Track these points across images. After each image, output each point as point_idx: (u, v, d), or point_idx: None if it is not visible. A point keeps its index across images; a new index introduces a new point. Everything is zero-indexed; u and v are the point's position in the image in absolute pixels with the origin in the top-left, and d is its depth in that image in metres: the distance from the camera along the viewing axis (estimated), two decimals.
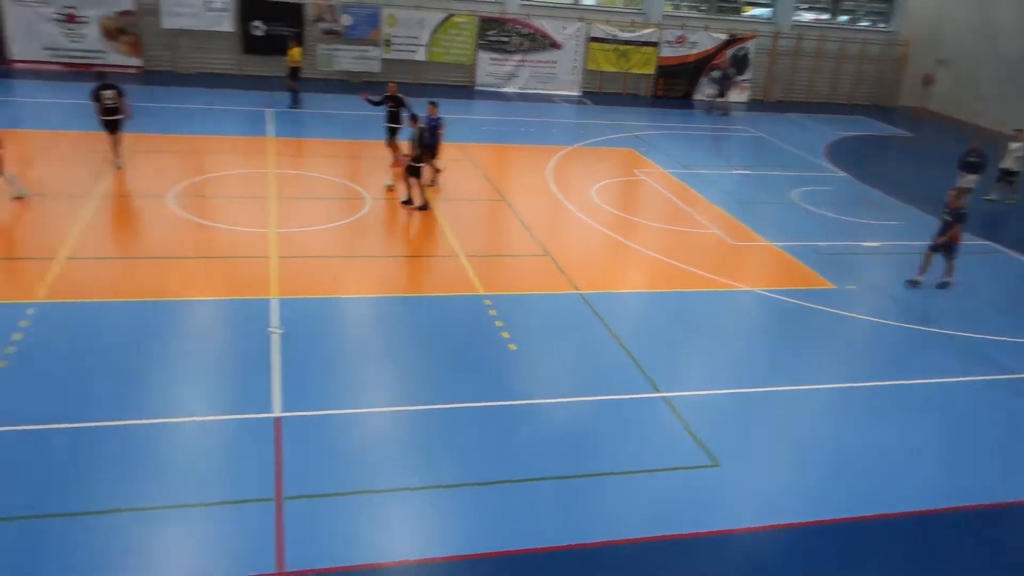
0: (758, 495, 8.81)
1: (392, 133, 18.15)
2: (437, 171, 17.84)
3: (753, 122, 29.02)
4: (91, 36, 25.91)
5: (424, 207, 16.27)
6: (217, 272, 12.96)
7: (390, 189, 17.28)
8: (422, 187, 16.33)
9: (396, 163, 17.50)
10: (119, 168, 17.07)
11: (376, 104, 18.10)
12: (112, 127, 17.01)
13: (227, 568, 7.17)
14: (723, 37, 31.26)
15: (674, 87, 31.63)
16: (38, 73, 25.47)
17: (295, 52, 23.85)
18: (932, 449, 9.94)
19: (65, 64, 25.91)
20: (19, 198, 14.82)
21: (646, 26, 30.78)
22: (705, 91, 31.46)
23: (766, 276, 14.92)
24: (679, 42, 31.00)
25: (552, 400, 10.18)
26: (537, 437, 9.38)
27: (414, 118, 16.39)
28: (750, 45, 31.62)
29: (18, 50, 25.62)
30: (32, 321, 10.75)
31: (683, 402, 10.42)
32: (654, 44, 30.85)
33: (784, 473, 9.28)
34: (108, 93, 16.78)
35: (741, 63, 31.67)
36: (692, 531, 8.19)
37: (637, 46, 30.74)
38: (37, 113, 21.13)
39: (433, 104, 17.56)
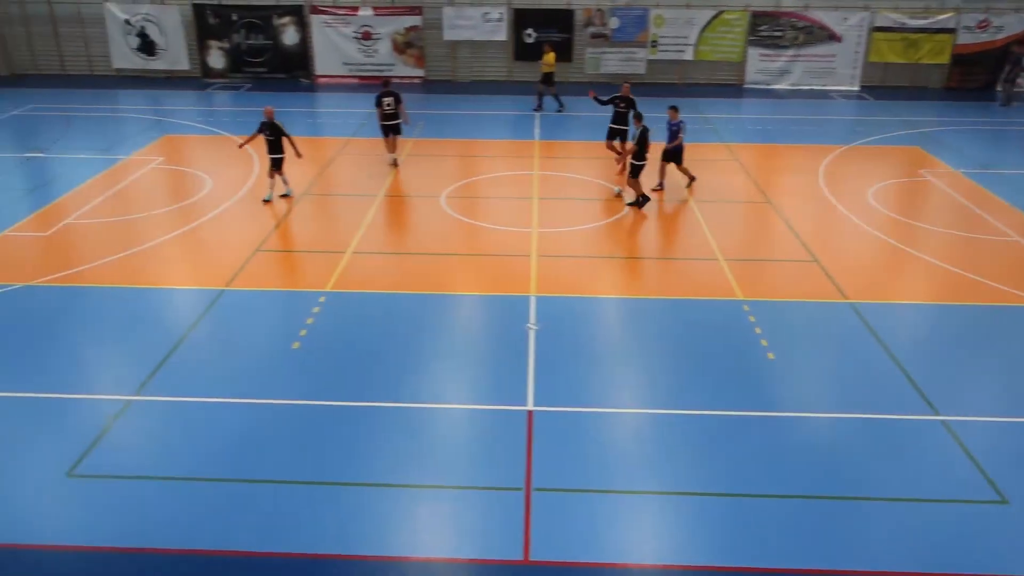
0: None
1: (615, 135, 18.45)
2: (690, 177, 17.52)
3: None
4: (383, 51, 28.48)
5: (640, 202, 16.30)
6: (483, 269, 13.69)
7: (618, 196, 17.14)
8: (638, 185, 16.28)
9: (620, 164, 17.39)
10: (395, 165, 18.64)
11: (604, 103, 18.39)
12: (392, 131, 18.64)
13: (475, 550, 7.56)
14: None
15: (971, 77, 28.37)
16: (337, 86, 28.48)
17: (550, 57, 24.59)
18: None
19: (360, 77, 28.73)
20: (285, 196, 16.69)
21: (941, 11, 27.91)
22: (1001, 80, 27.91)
23: None
24: (981, 27, 27.75)
25: (811, 414, 9.59)
26: (792, 452, 8.88)
27: (639, 117, 16.27)
28: None
29: (321, 66, 28.82)
30: (322, 308, 12.05)
31: (966, 428, 9.34)
32: (950, 31, 27.89)
33: None
34: (388, 100, 18.41)
35: None
36: (967, 572, 7.32)
37: (929, 34, 27.96)
38: (335, 121, 23.61)
39: (674, 109, 17.04)
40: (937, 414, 9.62)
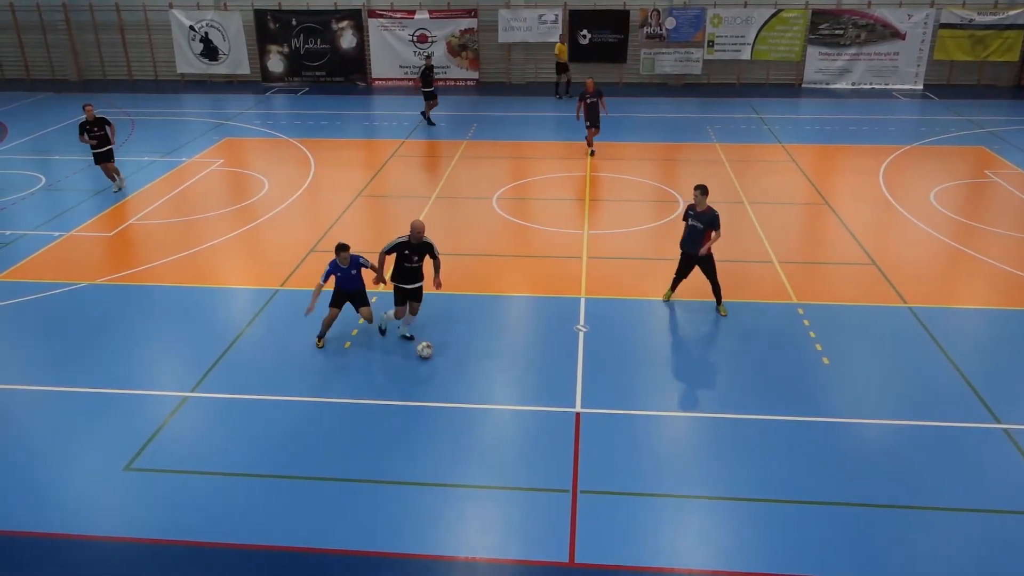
0: None
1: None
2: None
3: None
4: (438, 53, 28.70)
5: None
6: (534, 270, 13.69)
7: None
8: None
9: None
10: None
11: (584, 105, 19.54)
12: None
13: (521, 551, 7.56)
14: None
15: None
16: (393, 88, 28.80)
17: (561, 48, 26.88)
18: None
19: (416, 80, 29.00)
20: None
21: (1012, 7, 26.98)
22: None
23: None
24: None
25: (867, 420, 9.36)
26: (847, 459, 8.68)
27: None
28: None
29: (377, 69, 29.19)
30: (374, 309, 12.18)
31: None
32: (1020, 27, 26.94)
33: None
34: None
35: None
36: None
37: (998, 30, 27.06)
38: (390, 124, 23.86)
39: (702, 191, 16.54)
40: (999, 422, 9.30)
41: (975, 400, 9.72)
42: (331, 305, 11.03)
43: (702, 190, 11.50)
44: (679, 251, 11.97)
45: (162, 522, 7.89)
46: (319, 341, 11.07)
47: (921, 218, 15.64)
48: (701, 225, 11.47)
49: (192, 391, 10.06)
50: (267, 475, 8.56)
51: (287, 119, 24.42)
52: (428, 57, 24.18)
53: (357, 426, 9.39)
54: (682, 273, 12.03)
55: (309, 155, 20.19)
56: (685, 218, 11.77)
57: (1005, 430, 9.17)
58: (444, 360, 10.75)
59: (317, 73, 29.42)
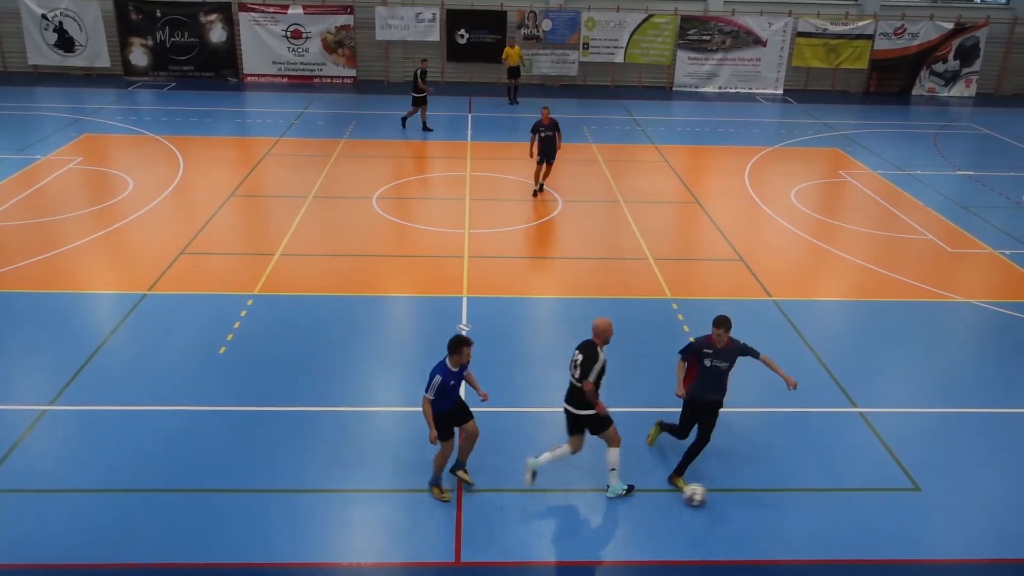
0: (962, 524, 8.04)
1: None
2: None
3: (981, 119, 26.38)
4: (313, 50, 28.07)
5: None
6: (415, 270, 13.60)
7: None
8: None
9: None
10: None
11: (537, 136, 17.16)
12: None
13: (406, 553, 7.51)
14: (949, 26, 28.69)
15: (889, 82, 29.43)
16: (266, 85, 27.96)
17: (509, 52, 26.36)
18: None
19: (289, 76, 28.27)
20: None
21: (861, 18, 28.87)
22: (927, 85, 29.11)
23: (987, 287, 13.53)
24: (897, 34, 28.80)
25: (737, 409, 9.78)
26: (718, 447, 9.05)
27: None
28: (981, 34, 28.78)
29: (250, 65, 28.28)
30: (250, 312, 11.82)
31: (882, 419, 9.69)
32: (868, 37, 28.88)
33: (993, 503, 8.39)
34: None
35: (969, 54, 28.93)
36: (886, 558, 7.60)
37: (849, 39, 28.91)
38: (264, 121, 23.17)
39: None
40: (855, 406, 9.95)
41: (834, 386, 10.35)
42: (443, 439, 8.07)
43: (726, 326, 8.24)
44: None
45: (18, 545, 7.37)
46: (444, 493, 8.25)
47: (783, 216, 16.52)
48: (727, 364, 8.36)
49: (51, 404, 9.45)
50: (135, 490, 8.14)
51: (152, 115, 23.29)
52: (424, 61, 22.74)
53: (232, 434, 9.06)
54: (686, 426, 8.77)
55: (177, 153, 19.34)
56: (689, 356, 8.48)
57: (861, 413, 9.82)
58: (325, 363, 10.53)
59: (185, 68, 28.19)
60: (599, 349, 7.99)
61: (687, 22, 28.57)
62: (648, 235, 15.23)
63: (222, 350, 10.75)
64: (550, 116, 17.04)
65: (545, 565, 7.45)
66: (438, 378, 7.74)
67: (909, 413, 9.91)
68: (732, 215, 16.56)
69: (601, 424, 8.10)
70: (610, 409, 8.18)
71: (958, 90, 29.29)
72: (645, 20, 28.43)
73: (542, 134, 16.86)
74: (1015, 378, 10.77)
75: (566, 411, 8.22)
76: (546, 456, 8.19)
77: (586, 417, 8.08)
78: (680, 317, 12.07)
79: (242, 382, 10.07)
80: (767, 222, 16.24)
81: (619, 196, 17.39)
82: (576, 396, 8.06)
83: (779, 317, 12.16)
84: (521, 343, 11.28)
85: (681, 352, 8.51)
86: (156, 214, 15.56)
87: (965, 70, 29.18)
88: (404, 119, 22.37)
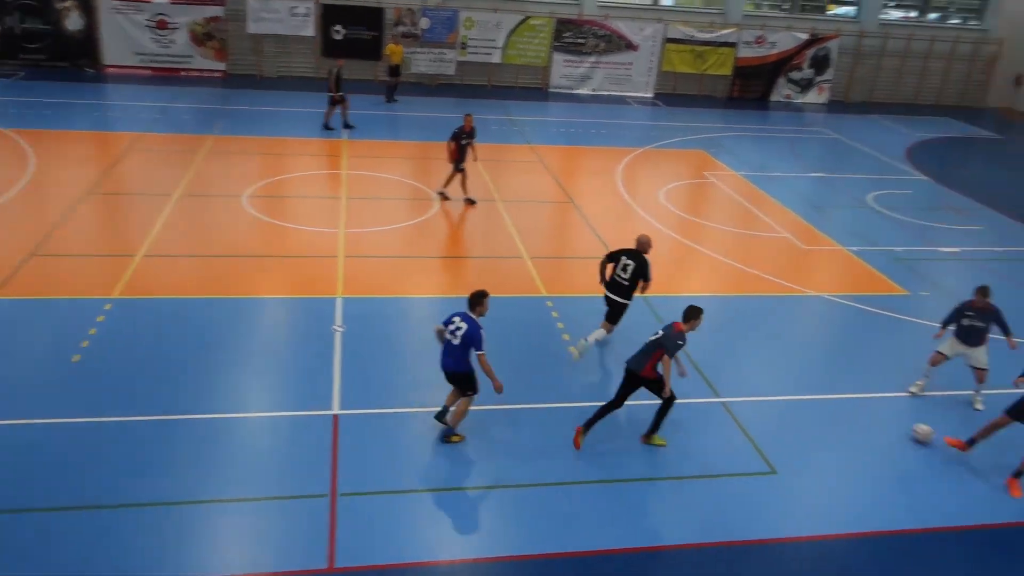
0: (813, 504, 8.64)
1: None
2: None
3: (832, 124, 28.16)
4: (180, 41, 26.92)
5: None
6: (287, 270, 13.30)
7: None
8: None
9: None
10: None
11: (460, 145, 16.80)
12: None
13: (278, 562, 7.36)
14: (805, 37, 30.46)
15: (750, 88, 30.97)
16: (128, 77, 26.60)
17: (392, 49, 25.98)
18: (999, 464, 9.46)
19: (153, 68, 27.02)
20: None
21: (725, 26, 30.24)
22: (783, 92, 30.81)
23: (836, 281, 14.48)
24: (758, 42, 30.33)
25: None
26: (590, 438, 9.31)
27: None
28: (832, 45, 30.71)
29: (111, 56, 26.83)
30: (107, 316, 11.25)
31: (743, 408, 10.23)
32: (732, 45, 30.28)
33: (842, 482, 9.04)
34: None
35: (822, 63, 30.83)
36: (744, 539, 8.04)
37: (714, 47, 30.23)
38: (124, 115, 22.06)
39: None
40: (718, 396, 10.45)
41: (699, 378, 10.83)
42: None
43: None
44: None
45: None
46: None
47: (652, 215, 17.11)
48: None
49: None
50: None
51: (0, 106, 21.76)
52: (340, 60, 21.92)
53: (87, 448, 8.59)
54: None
55: (27, 148, 18.14)
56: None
57: (723, 403, 10.32)
58: (191, 369, 10.15)
59: (36, 56, 26.45)
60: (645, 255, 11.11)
61: (563, 25, 29.10)
62: (524, 234, 15.46)
63: (76, 358, 10.18)
64: (472, 124, 16.68)
65: (416, 566, 7.46)
66: (483, 331, 8.55)
67: (766, 401, 10.49)
68: (605, 214, 17.02)
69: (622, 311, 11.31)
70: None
71: (812, 97, 31.16)
72: (522, 22, 28.77)
73: (462, 142, 16.54)
74: (861, 366, 11.58)
75: (607, 298, 11.28)
76: (593, 337, 11.02)
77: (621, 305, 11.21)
78: (555, 315, 12.32)
79: (99, 391, 9.56)
80: (638, 221, 16.78)
81: (496, 196, 17.55)
82: (620, 289, 11.17)
83: (649, 313, 12.59)
84: (398, 342, 11.22)
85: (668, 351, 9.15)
86: (3, 213, 14.56)
87: (818, 78, 31.07)
88: (325, 124, 21.78)
